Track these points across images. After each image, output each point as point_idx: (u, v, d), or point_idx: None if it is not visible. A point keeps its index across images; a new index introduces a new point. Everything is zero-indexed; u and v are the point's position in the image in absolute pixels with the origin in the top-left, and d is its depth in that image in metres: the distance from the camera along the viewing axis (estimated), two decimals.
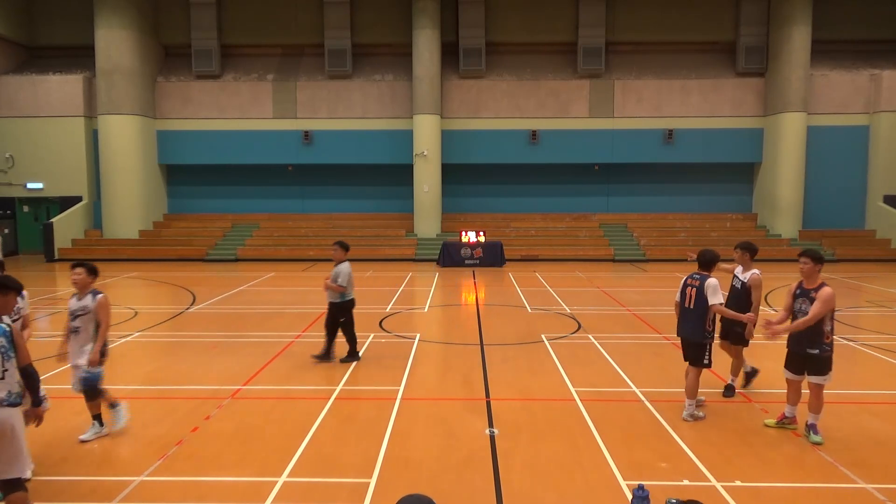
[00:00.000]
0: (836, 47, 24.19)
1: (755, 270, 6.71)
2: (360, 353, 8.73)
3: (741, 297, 6.71)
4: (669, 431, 5.89)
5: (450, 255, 20.56)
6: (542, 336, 10.02)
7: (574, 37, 23.98)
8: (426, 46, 22.62)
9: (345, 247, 8.43)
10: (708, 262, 6.26)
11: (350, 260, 8.51)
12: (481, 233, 20.81)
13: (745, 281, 6.70)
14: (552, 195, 25.19)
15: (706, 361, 6.20)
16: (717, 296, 6.05)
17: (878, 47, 24.22)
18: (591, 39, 23.63)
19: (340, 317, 8.42)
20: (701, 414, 6.28)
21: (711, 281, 6.10)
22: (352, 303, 8.50)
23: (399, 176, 24.51)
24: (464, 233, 20.73)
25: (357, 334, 8.62)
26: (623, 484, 4.84)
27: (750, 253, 6.80)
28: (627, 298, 13.87)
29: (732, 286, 6.92)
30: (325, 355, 8.44)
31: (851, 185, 23.73)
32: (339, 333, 8.52)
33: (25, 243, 24.55)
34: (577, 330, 10.52)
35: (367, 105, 24.17)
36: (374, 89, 24.14)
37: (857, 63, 23.99)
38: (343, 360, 8.42)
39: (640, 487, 3.13)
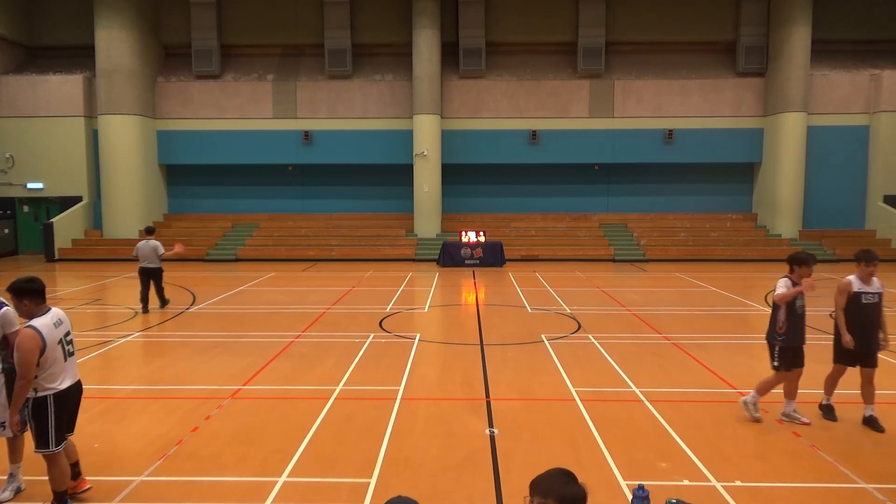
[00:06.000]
0: (836, 47, 24.18)
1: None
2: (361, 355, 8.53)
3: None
4: (669, 431, 5.89)
5: (450, 255, 20.55)
6: (542, 336, 10.01)
7: (574, 37, 23.98)
8: (426, 46, 22.61)
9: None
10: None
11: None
12: (481, 233, 20.80)
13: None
14: (552, 195, 25.18)
15: None
16: None
17: (878, 47, 24.21)
18: (591, 39, 23.62)
19: None
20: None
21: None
22: None
23: (399, 176, 24.50)
24: (464, 233, 20.72)
25: (358, 334, 8.61)
26: (623, 484, 4.83)
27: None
28: (627, 298, 13.87)
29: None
30: None
31: (851, 185, 23.71)
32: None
33: (25, 243, 24.54)
34: (577, 330, 10.52)
35: (367, 105, 24.16)
36: (374, 89, 24.14)
37: (857, 63, 23.98)
38: None
39: (640, 487, 3.13)
